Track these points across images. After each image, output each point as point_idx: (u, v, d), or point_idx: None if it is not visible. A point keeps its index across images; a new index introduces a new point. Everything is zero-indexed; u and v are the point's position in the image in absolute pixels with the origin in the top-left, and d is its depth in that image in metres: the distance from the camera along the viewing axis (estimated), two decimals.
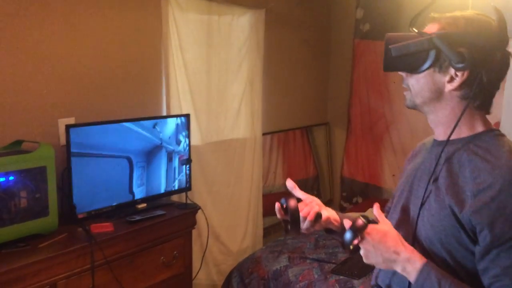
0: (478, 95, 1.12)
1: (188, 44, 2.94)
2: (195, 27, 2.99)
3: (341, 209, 4.22)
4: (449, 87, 1.12)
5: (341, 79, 4.26)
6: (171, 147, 2.69)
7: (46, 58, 2.30)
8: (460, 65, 1.08)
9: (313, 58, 4.13)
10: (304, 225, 1.29)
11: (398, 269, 1.11)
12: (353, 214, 1.38)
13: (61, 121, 2.35)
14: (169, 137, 2.68)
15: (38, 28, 2.26)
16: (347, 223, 1.15)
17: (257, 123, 3.48)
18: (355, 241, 1.11)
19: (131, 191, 2.51)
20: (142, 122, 2.53)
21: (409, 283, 1.11)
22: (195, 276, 2.89)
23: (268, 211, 3.54)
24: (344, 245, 1.13)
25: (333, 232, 1.40)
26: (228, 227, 3.35)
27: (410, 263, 1.09)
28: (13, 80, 2.19)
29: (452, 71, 1.11)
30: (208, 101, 3.14)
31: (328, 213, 1.35)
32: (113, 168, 2.42)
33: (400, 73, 1.20)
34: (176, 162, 2.73)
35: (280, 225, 4.01)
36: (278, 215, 1.30)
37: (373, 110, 4.07)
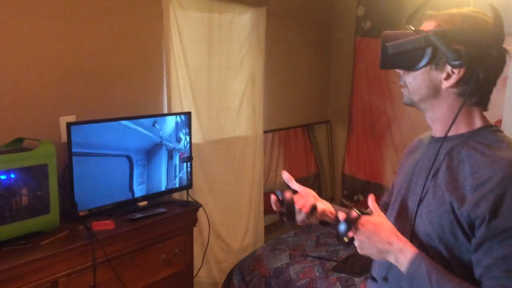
0: (475, 92, 1.12)
1: (189, 42, 2.94)
2: (196, 25, 2.99)
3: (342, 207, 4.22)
4: (446, 84, 1.13)
5: (342, 77, 4.25)
6: (171, 145, 2.70)
7: (47, 56, 2.31)
8: (456, 63, 1.08)
9: (314, 56, 4.13)
10: (299, 217, 1.31)
11: (391, 259, 1.13)
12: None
13: (62, 119, 2.36)
14: (169, 135, 2.68)
15: (39, 26, 2.26)
16: (341, 215, 1.17)
17: (258, 121, 3.48)
18: (350, 233, 1.13)
19: (131, 189, 2.52)
20: (142, 120, 2.53)
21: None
22: (196, 274, 2.90)
23: (269, 209, 3.48)
24: (339, 236, 1.15)
25: (328, 224, 1.41)
26: (229, 225, 3.36)
27: (402, 253, 1.10)
28: (14, 78, 2.20)
29: (448, 68, 1.11)
30: (209, 99, 3.14)
31: (324, 205, 1.37)
32: (113, 166, 2.42)
33: (397, 70, 1.21)
34: (176, 159, 2.74)
35: (285, 226, 4.03)
36: (274, 207, 1.33)
37: (374, 107, 4.06)
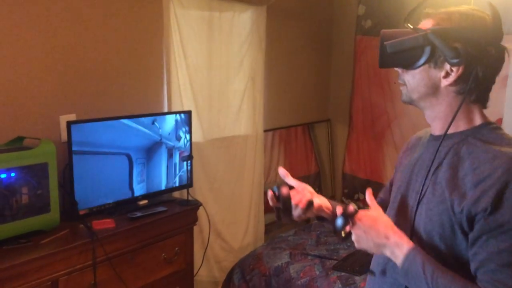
0: (474, 90, 1.12)
1: (190, 41, 2.95)
2: (197, 23, 2.99)
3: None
4: (444, 82, 1.13)
5: (342, 75, 4.25)
6: (171, 143, 2.70)
7: (47, 54, 2.31)
8: (455, 61, 1.08)
9: (315, 55, 4.13)
10: (295, 213, 1.31)
11: (387, 253, 1.14)
12: None
13: (63, 117, 2.36)
14: (169, 133, 2.68)
15: (40, 24, 2.26)
16: (338, 210, 1.17)
17: (259, 120, 3.48)
18: (347, 228, 1.14)
19: (131, 188, 2.52)
20: (142, 118, 2.54)
21: None
22: (197, 273, 2.91)
23: (269, 208, 3.52)
24: (336, 231, 1.16)
25: (325, 219, 1.41)
26: (229, 224, 3.36)
27: (398, 247, 1.11)
28: (15, 76, 2.20)
29: (447, 66, 1.11)
30: (210, 98, 3.14)
31: (320, 201, 1.37)
32: (113, 164, 2.43)
33: (396, 69, 1.21)
34: (176, 158, 2.74)
35: (282, 222, 4.04)
36: (271, 203, 1.33)
37: (375, 106, 4.06)
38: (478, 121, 1.16)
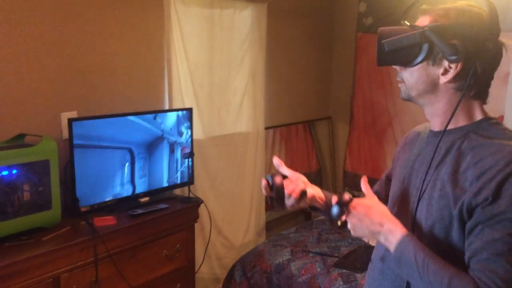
0: (473, 86, 1.12)
1: (190, 38, 2.95)
2: (197, 21, 2.99)
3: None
4: (443, 79, 1.13)
5: (343, 73, 4.25)
6: (173, 139, 2.70)
7: (48, 52, 2.31)
8: (453, 57, 1.08)
9: (315, 52, 4.12)
10: (288, 202, 1.32)
11: (382, 240, 1.15)
12: None
13: (64, 114, 2.37)
14: (171, 128, 2.69)
15: (40, 21, 2.27)
16: (333, 199, 1.18)
17: (260, 117, 3.48)
18: (343, 217, 1.15)
19: (133, 182, 2.52)
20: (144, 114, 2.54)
21: None
22: (198, 270, 2.91)
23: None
24: (332, 220, 1.17)
25: (318, 209, 1.42)
26: (230, 221, 3.37)
27: (392, 234, 1.12)
28: (16, 74, 2.21)
29: (445, 63, 1.11)
30: (210, 95, 3.14)
31: (314, 190, 1.38)
32: (115, 159, 2.43)
33: (394, 66, 1.21)
34: (178, 153, 2.75)
35: (283, 219, 4.04)
36: (264, 192, 1.34)
37: (376, 104, 4.06)
38: (478, 116, 1.16)
